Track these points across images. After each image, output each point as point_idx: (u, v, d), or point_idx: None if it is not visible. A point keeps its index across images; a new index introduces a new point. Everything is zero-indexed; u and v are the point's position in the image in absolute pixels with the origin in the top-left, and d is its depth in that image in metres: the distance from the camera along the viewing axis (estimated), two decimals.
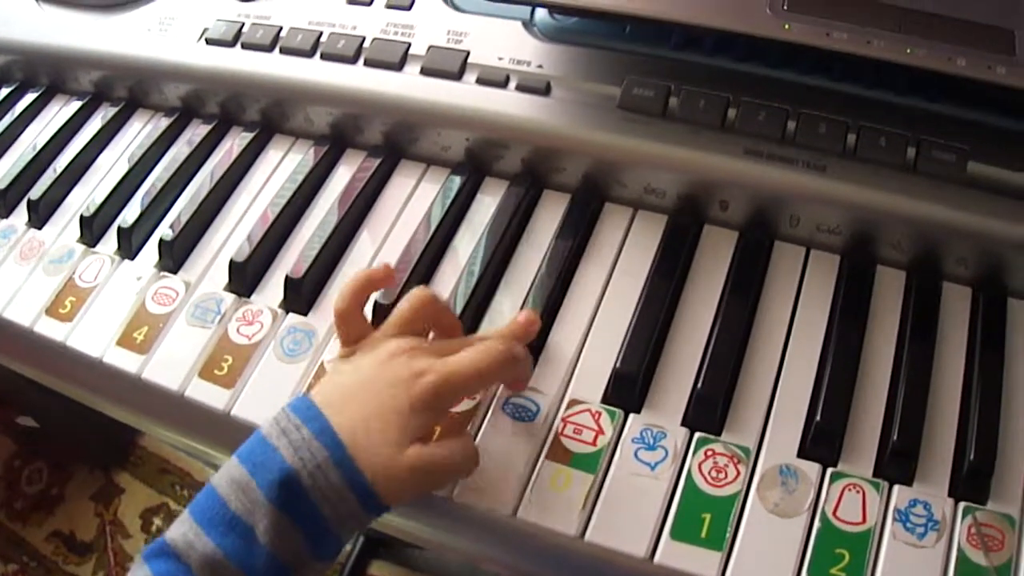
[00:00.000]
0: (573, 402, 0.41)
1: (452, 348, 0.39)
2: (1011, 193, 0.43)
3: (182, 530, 0.35)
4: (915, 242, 0.44)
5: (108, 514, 1.08)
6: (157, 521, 1.07)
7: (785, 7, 0.42)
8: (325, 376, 0.42)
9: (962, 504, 0.38)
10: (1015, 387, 0.41)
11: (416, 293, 0.40)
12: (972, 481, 0.38)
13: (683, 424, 0.40)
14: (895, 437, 0.39)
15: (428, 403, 0.37)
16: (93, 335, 0.47)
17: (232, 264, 0.47)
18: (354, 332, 0.41)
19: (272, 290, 0.47)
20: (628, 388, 0.41)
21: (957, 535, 0.37)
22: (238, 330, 0.45)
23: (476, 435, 0.41)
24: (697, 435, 0.40)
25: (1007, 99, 0.44)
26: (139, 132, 0.56)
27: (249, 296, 0.47)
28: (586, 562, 0.38)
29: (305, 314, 0.45)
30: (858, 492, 0.38)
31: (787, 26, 0.41)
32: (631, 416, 0.40)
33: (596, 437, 0.40)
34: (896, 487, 0.38)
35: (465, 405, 0.42)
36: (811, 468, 0.39)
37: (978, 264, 0.44)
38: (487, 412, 0.41)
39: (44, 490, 1.10)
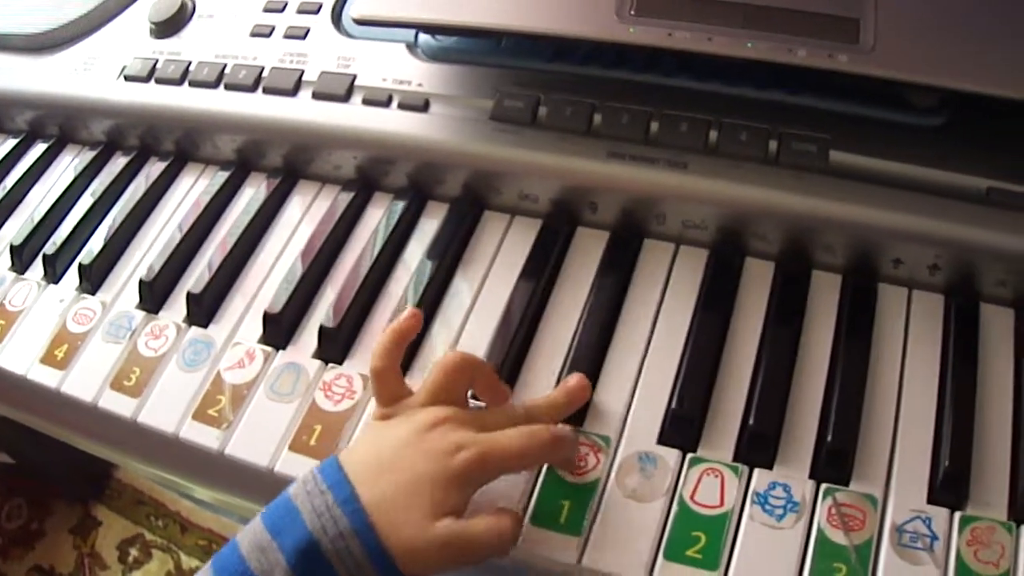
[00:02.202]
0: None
1: (493, 421, 0.40)
2: (874, 179, 0.46)
3: None
4: (782, 233, 0.48)
5: (86, 547, 1.14)
6: (133, 552, 1.12)
7: (632, 12, 0.47)
8: (361, 438, 0.43)
9: (823, 486, 0.40)
10: (879, 371, 0.44)
11: (447, 359, 0.41)
12: (832, 463, 0.41)
13: None
14: (752, 421, 0.42)
15: (464, 479, 0.37)
16: (18, 354, 0.52)
17: (141, 283, 0.52)
18: (391, 391, 0.41)
19: (178, 306, 0.52)
20: None
21: (817, 516, 0.40)
22: (146, 344, 0.50)
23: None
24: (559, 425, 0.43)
25: (863, 88, 0.48)
26: (68, 166, 0.62)
27: (157, 312, 0.52)
28: None
29: (205, 326, 0.51)
30: (717, 476, 0.42)
31: (632, 30, 0.45)
32: None
33: None
34: (756, 471, 0.41)
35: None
36: (670, 454, 0.42)
37: (847, 251, 0.47)
38: None
39: (24, 525, 1.16)
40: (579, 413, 0.44)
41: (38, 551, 1.14)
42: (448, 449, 0.37)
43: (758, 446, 0.42)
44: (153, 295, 0.52)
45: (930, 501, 0.40)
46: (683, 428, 0.43)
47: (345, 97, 0.53)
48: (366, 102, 0.52)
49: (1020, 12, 0.46)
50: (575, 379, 0.43)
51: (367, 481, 0.37)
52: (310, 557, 0.35)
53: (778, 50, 0.44)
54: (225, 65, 0.57)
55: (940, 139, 0.48)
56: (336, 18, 0.57)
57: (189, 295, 0.51)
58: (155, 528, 1.13)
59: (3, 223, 0.60)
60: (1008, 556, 0.38)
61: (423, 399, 0.41)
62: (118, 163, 0.60)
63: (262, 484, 0.44)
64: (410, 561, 0.36)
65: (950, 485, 0.40)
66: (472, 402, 0.44)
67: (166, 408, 0.47)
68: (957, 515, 0.39)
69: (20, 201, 0.61)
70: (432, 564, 0.37)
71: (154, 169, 0.59)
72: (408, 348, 0.47)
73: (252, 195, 0.56)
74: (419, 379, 0.43)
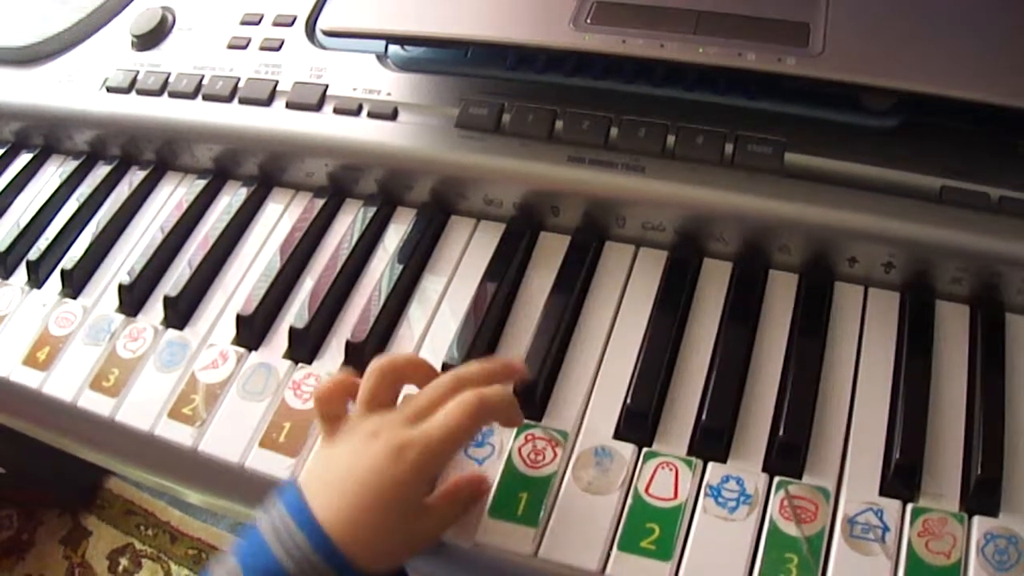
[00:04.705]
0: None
1: (427, 401, 0.41)
2: (829, 180, 0.49)
3: None
4: (739, 233, 0.50)
5: (76, 557, 1.16)
6: (123, 561, 1.15)
7: (588, 20, 0.49)
8: (310, 465, 0.46)
9: (776, 479, 0.42)
10: (834, 367, 0.46)
11: (371, 368, 0.43)
12: (784, 456, 0.43)
13: None
14: (706, 416, 0.44)
15: (415, 478, 0.39)
16: (1, 357, 0.55)
17: (120, 288, 0.55)
18: (332, 416, 0.43)
19: (156, 310, 0.55)
20: None
21: (770, 508, 0.41)
22: (125, 346, 0.53)
23: None
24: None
25: (817, 90, 0.50)
26: (52, 175, 0.65)
27: (135, 316, 0.55)
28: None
29: (181, 329, 0.53)
30: (671, 470, 0.43)
31: (587, 37, 0.48)
32: None
33: None
34: (710, 464, 0.43)
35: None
36: (625, 448, 0.44)
37: (802, 251, 0.49)
38: None
39: (14, 536, 1.19)
40: (538, 408, 0.46)
41: (28, 561, 1.17)
42: (391, 455, 0.39)
43: (711, 440, 0.44)
44: (132, 299, 0.55)
45: (882, 493, 0.41)
46: (638, 423, 0.45)
47: (317, 106, 0.56)
48: (337, 111, 0.55)
49: (969, 15, 0.48)
50: (516, 359, 0.46)
51: (325, 507, 0.38)
52: None
53: (728, 54, 0.47)
54: (203, 76, 0.60)
55: (894, 140, 0.50)
56: (310, 30, 0.61)
57: (166, 299, 0.53)
58: (145, 538, 1.15)
59: None
60: (959, 547, 0.40)
61: (358, 411, 0.43)
62: (100, 172, 0.63)
63: (234, 480, 0.47)
64: (373, 569, 0.38)
65: (901, 477, 0.41)
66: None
67: (143, 407, 0.50)
68: (909, 507, 0.41)
69: (5, 210, 0.64)
70: (394, 562, 0.40)
71: (135, 178, 0.62)
72: (376, 349, 0.50)
73: (228, 202, 0.59)
74: None
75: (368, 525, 0.38)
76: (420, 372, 0.44)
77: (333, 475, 0.40)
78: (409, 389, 0.45)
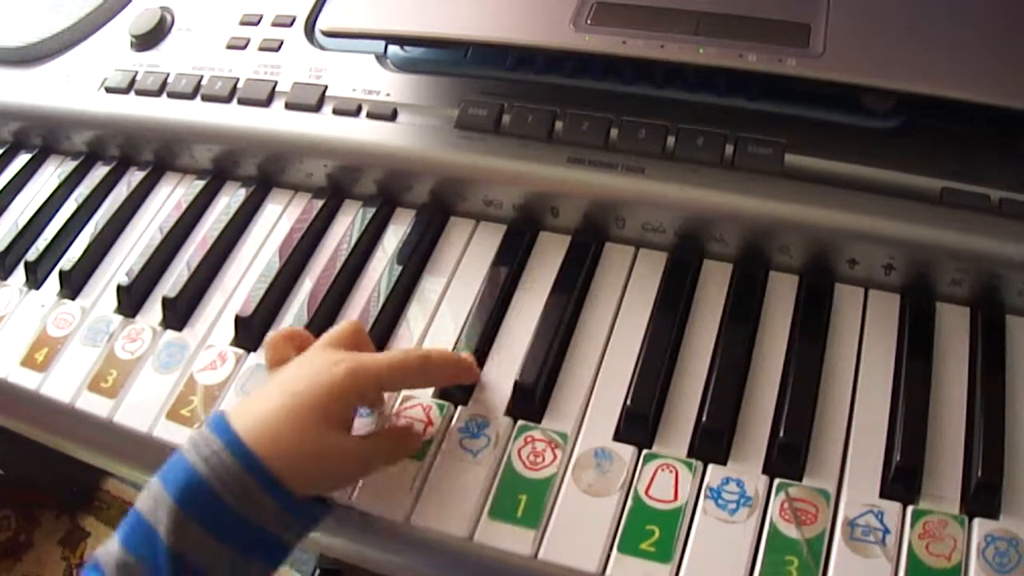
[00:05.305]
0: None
1: (385, 359, 0.43)
2: (829, 181, 0.49)
3: (105, 544, 0.38)
4: (739, 235, 0.50)
5: (74, 558, 1.16)
6: None
7: (588, 21, 0.49)
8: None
9: (776, 481, 0.42)
10: (834, 368, 0.46)
11: (349, 321, 0.45)
12: (785, 458, 0.43)
13: (506, 414, 0.46)
14: (706, 418, 0.44)
15: (341, 390, 0.40)
16: (0, 358, 0.55)
17: (119, 289, 0.55)
18: (280, 358, 0.44)
19: (155, 311, 0.55)
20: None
21: (770, 510, 0.41)
22: (123, 347, 0.53)
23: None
24: (519, 422, 0.46)
25: (818, 92, 0.50)
26: (51, 176, 0.65)
27: (134, 317, 0.55)
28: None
29: (180, 330, 0.53)
30: (671, 472, 0.43)
31: (587, 38, 0.48)
32: (459, 408, 0.46)
33: (425, 428, 0.46)
34: (710, 466, 0.43)
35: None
36: (625, 450, 0.44)
37: (803, 252, 0.49)
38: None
39: (12, 537, 1.19)
40: (538, 411, 0.46)
41: (26, 563, 1.17)
42: (325, 366, 0.40)
43: (711, 442, 0.44)
44: (130, 300, 0.55)
45: (882, 495, 0.41)
46: (638, 425, 0.45)
47: (316, 107, 0.56)
48: (336, 112, 0.55)
49: (970, 16, 0.49)
50: (469, 358, 0.47)
51: (244, 413, 0.39)
52: (193, 488, 0.37)
53: (728, 55, 0.47)
54: (202, 77, 0.60)
55: (895, 141, 0.50)
56: (309, 31, 0.61)
57: (164, 300, 0.53)
58: None
59: None
60: (960, 549, 0.40)
61: (315, 346, 0.44)
62: (99, 173, 0.63)
63: None
64: (291, 475, 0.38)
65: (902, 479, 0.42)
66: None
67: (141, 408, 0.50)
68: (909, 509, 0.41)
69: (4, 210, 0.64)
70: (315, 476, 0.40)
71: (134, 178, 0.62)
72: (376, 349, 0.49)
73: (227, 203, 0.59)
74: None
75: (287, 435, 0.38)
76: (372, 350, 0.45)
77: (264, 391, 0.41)
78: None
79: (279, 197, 0.59)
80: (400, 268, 0.52)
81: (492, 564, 0.42)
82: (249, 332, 0.51)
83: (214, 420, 0.40)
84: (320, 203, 0.56)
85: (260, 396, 0.41)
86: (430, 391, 0.48)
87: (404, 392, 0.48)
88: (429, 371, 0.44)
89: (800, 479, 0.42)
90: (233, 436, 0.38)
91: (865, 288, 0.49)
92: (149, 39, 0.64)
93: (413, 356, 0.43)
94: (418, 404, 0.47)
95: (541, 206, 0.52)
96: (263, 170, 0.59)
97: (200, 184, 0.60)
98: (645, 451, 0.44)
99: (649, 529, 0.42)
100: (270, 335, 0.45)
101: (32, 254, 0.59)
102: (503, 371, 0.48)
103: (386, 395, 0.47)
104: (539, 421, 0.46)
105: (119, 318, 0.55)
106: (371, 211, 0.55)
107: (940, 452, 0.43)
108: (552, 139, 0.51)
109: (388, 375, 0.42)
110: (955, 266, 0.47)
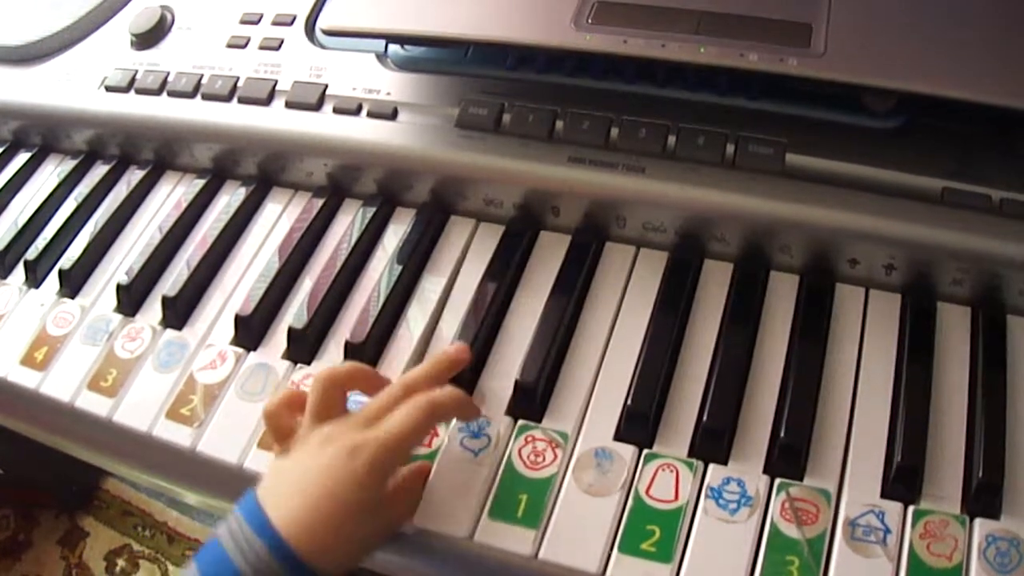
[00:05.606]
0: None
1: (377, 409, 0.43)
2: (830, 181, 0.49)
3: None
4: (739, 234, 0.50)
5: (74, 557, 1.16)
6: (120, 562, 1.14)
7: (589, 20, 0.49)
8: (266, 477, 0.44)
9: (777, 481, 0.42)
10: (835, 368, 0.46)
11: (316, 379, 0.44)
12: (785, 458, 0.43)
13: (506, 413, 0.46)
14: (707, 417, 0.44)
15: (372, 476, 0.40)
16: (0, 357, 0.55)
17: (118, 288, 0.55)
18: (283, 429, 0.44)
19: (154, 310, 0.55)
20: None
21: (771, 510, 0.42)
22: (123, 346, 0.53)
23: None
24: (519, 422, 0.46)
25: (819, 91, 0.50)
26: (50, 175, 0.65)
27: (134, 316, 0.55)
28: None
29: (180, 329, 0.53)
30: (672, 472, 0.44)
31: (588, 37, 0.48)
32: None
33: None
34: (711, 466, 0.43)
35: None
36: (626, 450, 0.44)
37: (803, 252, 0.49)
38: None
39: (11, 536, 1.19)
40: (538, 410, 0.46)
41: (25, 562, 1.17)
42: (346, 457, 0.40)
43: (712, 442, 0.44)
44: (130, 299, 0.55)
45: (883, 495, 0.42)
46: (639, 425, 0.45)
47: (317, 106, 0.56)
48: (337, 111, 0.55)
49: (971, 16, 0.49)
50: (453, 347, 0.46)
51: (282, 510, 0.39)
52: None
53: (729, 55, 0.47)
54: (202, 76, 0.60)
55: (896, 141, 0.50)
56: (310, 30, 0.61)
57: (164, 299, 0.53)
58: (142, 539, 1.15)
59: None
60: (961, 549, 0.40)
61: (308, 423, 0.43)
62: (99, 172, 0.63)
63: (232, 481, 0.47)
64: (333, 567, 0.39)
65: (903, 479, 0.42)
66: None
67: (141, 407, 0.50)
68: (910, 509, 0.41)
69: (3, 209, 0.64)
70: (357, 558, 0.41)
71: (133, 177, 0.62)
72: (375, 349, 0.50)
73: (227, 202, 0.59)
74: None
75: (325, 528, 0.39)
76: (365, 379, 0.45)
77: (289, 482, 0.41)
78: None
79: (279, 196, 0.59)
80: (400, 267, 0.52)
81: (492, 564, 0.42)
82: (249, 331, 0.51)
83: (253, 516, 0.39)
84: (320, 202, 0.56)
85: (288, 489, 0.41)
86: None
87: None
88: (437, 416, 0.43)
89: (801, 479, 0.43)
90: (280, 544, 0.38)
91: (866, 288, 0.49)
92: (149, 38, 0.64)
93: (421, 412, 0.42)
94: None
95: (541, 205, 0.52)
96: (263, 169, 0.58)
97: (200, 183, 0.60)
98: (646, 451, 0.44)
99: (650, 529, 0.42)
100: (266, 406, 0.44)
101: (32, 253, 0.59)
102: (504, 371, 0.48)
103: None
104: (540, 421, 0.46)
105: (119, 317, 0.55)
106: (371, 210, 0.55)
107: (941, 452, 0.43)
108: (553, 138, 0.51)
109: (408, 444, 0.42)
110: (956, 266, 0.47)
